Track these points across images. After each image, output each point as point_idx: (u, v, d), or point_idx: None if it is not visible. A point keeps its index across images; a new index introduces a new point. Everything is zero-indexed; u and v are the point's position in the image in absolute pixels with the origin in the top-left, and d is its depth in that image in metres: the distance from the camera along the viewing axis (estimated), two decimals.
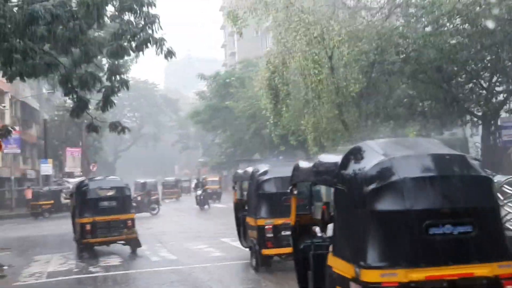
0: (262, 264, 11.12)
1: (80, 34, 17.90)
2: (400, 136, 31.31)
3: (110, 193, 15.21)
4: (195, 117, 56.35)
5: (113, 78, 19.46)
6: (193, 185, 49.78)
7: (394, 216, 5.08)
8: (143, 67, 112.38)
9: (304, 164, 7.18)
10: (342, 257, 5.46)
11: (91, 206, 14.90)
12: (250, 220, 11.78)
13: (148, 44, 18.14)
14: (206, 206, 36.09)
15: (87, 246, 14.87)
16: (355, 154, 5.70)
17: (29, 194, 39.26)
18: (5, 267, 13.93)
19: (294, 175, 7.30)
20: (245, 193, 13.00)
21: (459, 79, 29.99)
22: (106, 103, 19.15)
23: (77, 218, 15.19)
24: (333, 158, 6.26)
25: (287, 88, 29.16)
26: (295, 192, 7.14)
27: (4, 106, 37.00)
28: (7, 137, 19.60)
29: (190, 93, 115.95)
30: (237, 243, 15.14)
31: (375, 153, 5.54)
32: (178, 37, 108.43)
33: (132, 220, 15.20)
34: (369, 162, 5.36)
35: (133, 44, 18.17)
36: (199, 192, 37.43)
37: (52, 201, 33.35)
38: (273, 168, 12.02)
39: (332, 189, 5.84)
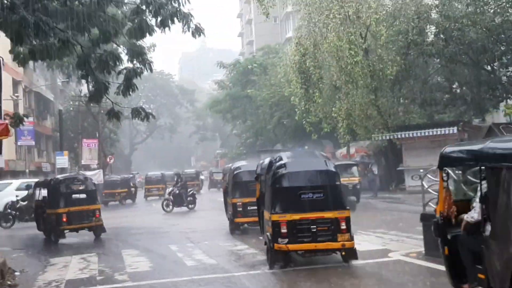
0: (234, 228, 16.37)
1: (98, 10, 16.09)
2: (438, 121, 29.17)
3: (81, 187, 17.58)
4: (214, 107, 54.34)
5: (135, 59, 17.61)
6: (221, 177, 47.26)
7: (285, 189, 10.25)
8: (157, 59, 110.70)
9: (260, 162, 12.26)
10: (267, 210, 10.70)
11: (65, 199, 17.13)
12: (229, 200, 17.13)
13: (175, 19, 16.27)
14: (171, 208, 25.77)
15: (62, 233, 17.01)
16: (275, 159, 10.79)
17: None
18: (17, 273, 12.10)
19: (257, 169, 12.20)
20: None
21: (504, 60, 27.80)
22: (127, 87, 17.23)
23: (52, 209, 17.12)
24: (268, 159, 11.31)
25: (320, 72, 27.14)
26: (258, 179, 11.97)
27: (17, 96, 35.31)
28: (19, 126, 17.85)
29: (205, 84, 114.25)
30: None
31: (283, 158, 10.58)
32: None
33: (99, 210, 17.65)
34: (278, 163, 10.46)
35: (157, 20, 16.39)
36: (169, 189, 28.11)
37: (125, 190, 36.92)
38: (246, 164, 17.43)
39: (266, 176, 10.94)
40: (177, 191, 26.32)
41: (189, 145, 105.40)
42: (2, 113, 10.43)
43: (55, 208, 16.93)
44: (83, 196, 17.32)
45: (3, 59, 17.94)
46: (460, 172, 9.14)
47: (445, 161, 6.89)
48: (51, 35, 15.39)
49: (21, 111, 34.32)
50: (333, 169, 10.48)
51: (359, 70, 25.34)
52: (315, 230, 9.94)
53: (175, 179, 28.03)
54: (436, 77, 30.01)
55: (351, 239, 10.01)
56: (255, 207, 13.11)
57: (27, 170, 37.61)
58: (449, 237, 6.76)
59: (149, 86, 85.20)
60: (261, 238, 12.13)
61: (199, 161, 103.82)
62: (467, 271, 6.55)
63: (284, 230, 9.90)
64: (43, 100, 49.57)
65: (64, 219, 16.71)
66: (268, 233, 10.43)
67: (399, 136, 28.45)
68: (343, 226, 9.97)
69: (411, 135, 28.36)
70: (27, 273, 12.15)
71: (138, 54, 17.43)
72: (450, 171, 7.55)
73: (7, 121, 9.43)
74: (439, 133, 27.63)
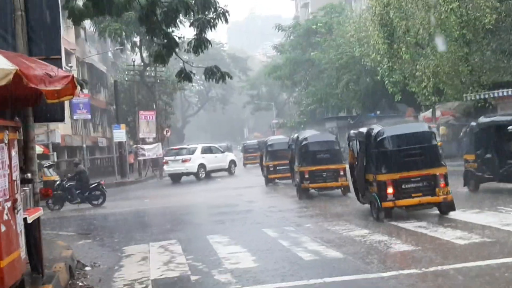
0: (267, 181, 23.85)
1: None
2: None
3: None
4: (273, 73, 51.32)
5: (206, 10, 14.90)
6: None
7: (308, 152, 17.42)
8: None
9: (291, 137, 22.42)
10: (296, 166, 18.02)
11: None
12: (264, 164, 24.38)
13: None
14: (59, 206, 19.98)
15: None
16: (300, 133, 19.55)
17: (131, 159, 39.46)
18: (87, 268, 9.78)
19: (289, 141, 21.00)
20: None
21: None
22: (200, 42, 14.62)
23: None
24: (296, 135, 20.11)
25: (406, 23, 23.81)
26: (290, 148, 19.79)
27: (71, 66, 33.36)
28: (77, 93, 15.53)
29: (256, 53, 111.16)
30: (408, 225, 10.71)
31: (305, 133, 18.82)
32: None
33: None
34: (302, 136, 18.20)
35: None
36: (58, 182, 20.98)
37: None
38: (276, 138, 29.51)
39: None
40: (66, 185, 20.17)
41: (241, 116, 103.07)
42: (63, 64, 7.93)
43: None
44: None
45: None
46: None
47: (348, 138, 14.05)
48: None
49: None
50: (335, 140, 18.41)
51: (454, 20, 21.90)
52: (325, 175, 17.13)
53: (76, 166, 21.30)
54: None
55: (347, 180, 16.41)
56: (283, 167, 22.22)
57: (84, 145, 35.86)
58: (354, 174, 12.99)
59: (200, 56, 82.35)
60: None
61: (252, 132, 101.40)
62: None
63: (307, 176, 16.94)
64: (96, 72, 47.84)
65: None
66: (297, 179, 17.58)
67: (495, 95, 25.01)
68: (342, 173, 16.92)
69: (510, 93, 24.92)
70: (99, 268, 9.79)
71: (208, 3, 14.72)
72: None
73: (73, 74, 6.84)
74: None
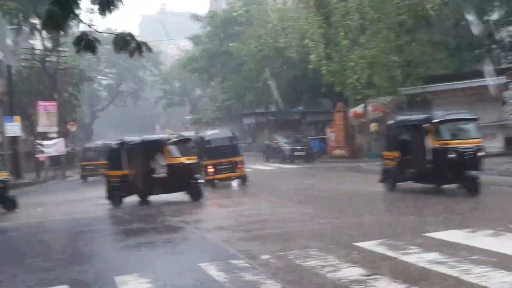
0: (83, 177, 30.37)
1: None
2: (478, 70, 24.20)
3: None
4: (189, 65, 48.03)
5: None
6: None
7: (212, 148, 20.71)
8: (116, 25, 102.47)
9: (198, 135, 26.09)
10: (203, 161, 20.21)
11: None
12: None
13: None
14: None
15: None
16: (202, 134, 24.34)
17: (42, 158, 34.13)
18: None
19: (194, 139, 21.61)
20: None
21: None
22: (107, 1, 11.38)
23: None
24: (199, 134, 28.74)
25: (345, 6, 21.47)
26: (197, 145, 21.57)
27: None
28: None
29: (168, 49, 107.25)
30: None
31: (207, 133, 24.20)
32: None
33: None
34: (205, 135, 22.41)
35: None
36: None
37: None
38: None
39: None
40: None
41: (153, 112, 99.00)
42: None
43: None
44: None
45: None
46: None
47: (195, 139, 20.84)
48: None
49: None
50: (233, 135, 21.43)
51: (400, 2, 19.74)
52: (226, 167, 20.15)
53: None
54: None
55: (244, 171, 20.24)
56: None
57: None
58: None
59: (110, 49, 77.69)
60: None
61: (164, 129, 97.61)
62: None
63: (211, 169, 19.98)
64: None
65: None
66: (204, 172, 19.42)
67: (432, 89, 23.36)
68: (240, 164, 19.96)
69: (446, 87, 23.36)
70: None
71: None
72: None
73: None
74: (481, 84, 22.76)
